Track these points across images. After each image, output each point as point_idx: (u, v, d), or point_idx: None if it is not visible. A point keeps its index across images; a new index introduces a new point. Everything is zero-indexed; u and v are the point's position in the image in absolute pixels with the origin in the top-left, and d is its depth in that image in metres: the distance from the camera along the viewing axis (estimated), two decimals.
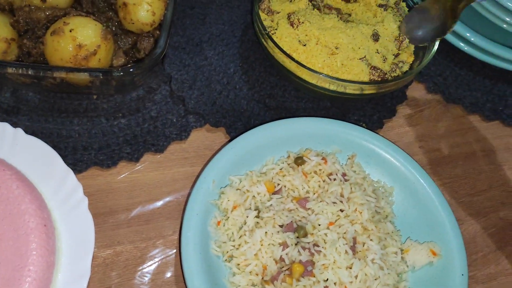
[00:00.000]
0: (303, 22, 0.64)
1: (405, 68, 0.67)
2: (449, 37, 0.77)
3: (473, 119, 0.77)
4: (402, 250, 0.59)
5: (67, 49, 0.57)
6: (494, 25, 0.71)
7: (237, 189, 0.59)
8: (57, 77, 0.59)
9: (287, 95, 0.72)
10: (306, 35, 0.64)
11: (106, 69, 0.60)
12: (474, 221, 0.67)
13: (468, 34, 0.75)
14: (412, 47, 0.71)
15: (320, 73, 0.60)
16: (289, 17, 0.65)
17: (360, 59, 0.64)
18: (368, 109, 0.73)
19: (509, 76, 0.79)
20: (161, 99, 0.69)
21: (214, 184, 0.59)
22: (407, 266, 0.58)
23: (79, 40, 0.57)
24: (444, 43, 0.77)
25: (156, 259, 0.58)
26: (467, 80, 0.79)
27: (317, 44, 0.63)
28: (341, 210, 0.58)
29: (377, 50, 0.66)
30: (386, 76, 0.63)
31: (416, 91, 0.78)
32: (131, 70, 0.59)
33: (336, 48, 0.63)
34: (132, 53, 0.67)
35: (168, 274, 0.57)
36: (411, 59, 0.70)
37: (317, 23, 0.64)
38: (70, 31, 0.57)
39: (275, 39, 0.64)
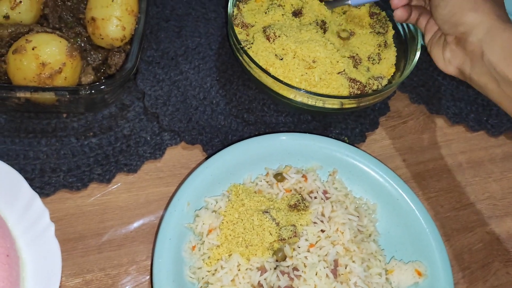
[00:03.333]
0: (279, 36, 0.62)
1: (384, 82, 0.65)
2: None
3: (458, 130, 0.75)
4: (386, 270, 0.57)
5: (30, 68, 0.54)
6: None
7: (213, 211, 0.57)
8: (21, 97, 0.56)
9: (266, 109, 0.70)
10: (283, 49, 0.62)
11: (72, 87, 0.57)
12: (461, 237, 0.65)
13: None
14: (393, 58, 0.69)
15: (298, 88, 0.58)
16: (265, 31, 0.63)
17: (339, 73, 0.61)
18: (350, 122, 0.71)
19: None
20: (134, 117, 0.66)
21: (188, 206, 0.56)
22: None
23: (43, 58, 0.54)
24: (426, 54, 0.76)
25: (128, 287, 0.55)
26: (451, 90, 0.78)
27: (294, 58, 0.61)
28: (322, 231, 0.55)
29: (356, 62, 0.64)
30: (366, 89, 0.61)
31: (399, 102, 0.76)
32: (101, 87, 0.56)
33: (314, 62, 0.61)
34: (103, 69, 0.65)
35: None
36: (392, 70, 0.68)
37: (294, 36, 0.62)
38: (33, 49, 0.54)
39: (250, 53, 0.62)
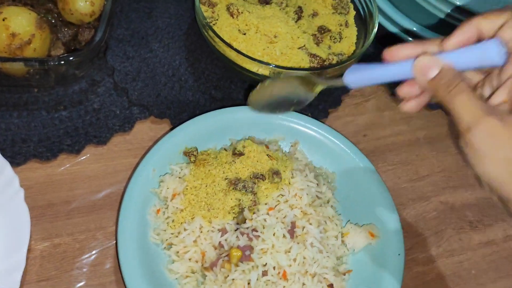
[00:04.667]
0: (242, 12, 0.65)
1: (344, 58, 0.68)
2: (394, 30, 0.78)
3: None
4: (342, 233, 0.60)
5: (1, 38, 0.56)
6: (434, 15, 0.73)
7: (178, 177, 0.59)
8: None
9: (233, 86, 0.72)
10: (246, 25, 0.65)
11: (41, 58, 0.59)
12: (416, 206, 0.69)
13: (414, 29, 0.76)
14: (354, 37, 0.73)
15: (259, 61, 0.61)
16: (228, 8, 0.66)
17: (299, 48, 0.64)
18: (313, 99, 0.74)
19: None
20: (104, 92, 0.68)
21: (154, 172, 0.58)
22: (347, 249, 0.59)
23: (12, 29, 0.56)
24: (389, 36, 0.79)
25: (95, 251, 0.57)
26: None
27: (256, 32, 0.64)
28: (281, 195, 0.58)
29: (318, 40, 0.67)
30: (325, 63, 0.65)
31: None
32: (69, 58, 0.58)
33: (275, 36, 0.64)
34: (73, 45, 0.67)
35: (108, 265, 0.56)
36: (353, 48, 0.72)
37: (256, 12, 0.65)
38: (3, 19, 0.56)
39: (215, 29, 0.64)
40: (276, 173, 0.58)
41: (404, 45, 0.44)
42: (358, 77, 0.48)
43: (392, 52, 0.44)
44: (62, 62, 0.58)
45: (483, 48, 0.40)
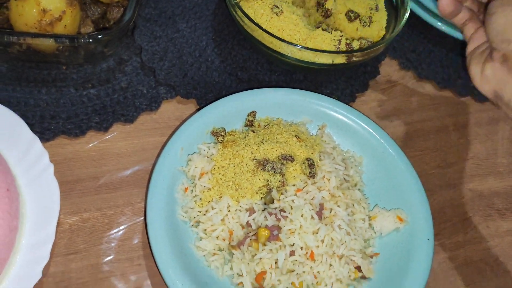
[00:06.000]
0: None
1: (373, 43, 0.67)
2: (424, 15, 0.77)
3: (445, 95, 0.77)
4: (369, 217, 0.59)
5: (31, 14, 0.57)
6: None
7: (205, 157, 0.59)
8: (23, 43, 0.58)
9: (260, 68, 0.72)
10: (275, 5, 0.64)
11: (72, 35, 0.59)
12: (444, 192, 0.68)
13: None
14: (383, 21, 0.71)
15: (286, 41, 0.60)
16: None
17: (324, 30, 0.64)
18: (340, 83, 0.73)
19: None
20: (131, 71, 0.68)
21: (182, 151, 0.58)
22: (375, 233, 0.59)
23: (43, 5, 0.57)
24: (419, 21, 0.78)
25: (124, 226, 0.57)
26: (440, 57, 0.80)
27: (284, 13, 0.63)
28: (309, 177, 0.58)
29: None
30: (353, 47, 0.64)
31: (389, 67, 0.78)
32: (98, 37, 0.58)
33: (304, 16, 0.63)
34: (102, 23, 0.67)
35: (136, 240, 0.57)
36: (382, 33, 0.71)
37: None
38: None
39: (244, 9, 0.64)
40: (312, 165, 0.58)
41: None
42: None
43: None
44: (92, 40, 0.58)
45: None
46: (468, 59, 0.53)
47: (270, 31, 0.62)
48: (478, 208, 0.67)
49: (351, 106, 0.68)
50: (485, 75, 0.50)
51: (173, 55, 0.70)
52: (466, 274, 0.62)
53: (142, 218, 0.58)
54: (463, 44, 0.78)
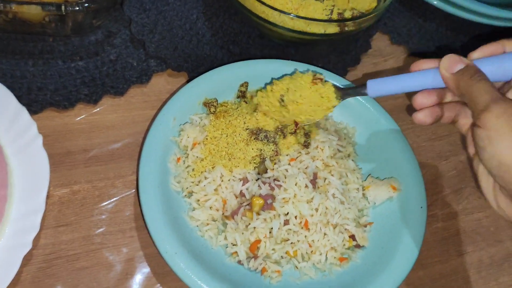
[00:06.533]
0: None
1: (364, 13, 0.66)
2: None
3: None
4: (363, 187, 0.59)
5: None
6: None
7: (198, 127, 0.58)
8: (9, 11, 0.56)
9: (251, 42, 0.71)
10: None
11: (58, 2, 0.58)
12: (436, 164, 0.68)
13: None
14: None
15: (277, 9, 0.59)
16: None
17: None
18: (332, 57, 0.73)
19: (470, 27, 0.80)
20: (121, 43, 0.67)
21: (174, 121, 0.58)
22: (368, 203, 0.59)
23: None
24: None
25: (115, 198, 0.57)
26: (430, 32, 0.80)
27: None
28: (303, 147, 0.57)
29: None
30: (345, 17, 0.63)
31: (381, 41, 0.78)
32: (85, 5, 0.57)
33: None
34: None
35: (127, 213, 0.56)
36: (374, 4, 0.70)
37: None
38: None
39: None
40: (307, 134, 0.57)
41: (429, 59, 0.46)
42: (380, 87, 0.49)
43: (418, 64, 0.47)
44: (79, 8, 0.57)
45: (502, 58, 0.43)
46: (474, 166, 0.45)
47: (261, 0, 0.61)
48: (470, 179, 0.68)
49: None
50: (499, 204, 0.44)
51: (163, 28, 0.68)
52: (458, 244, 0.63)
53: (134, 190, 0.57)
54: (452, 18, 0.79)
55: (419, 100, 0.47)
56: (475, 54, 0.45)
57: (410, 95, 0.73)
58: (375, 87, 0.50)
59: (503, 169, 0.38)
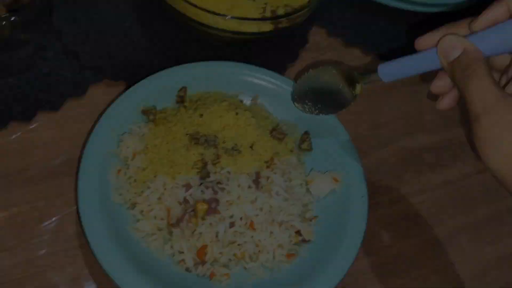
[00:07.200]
0: None
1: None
2: None
3: (373, 59, 0.79)
4: (306, 181, 0.60)
5: None
6: None
7: (138, 136, 0.58)
8: None
9: (188, 46, 0.71)
10: None
11: None
12: (378, 152, 0.70)
13: None
14: None
15: (212, 12, 0.59)
16: None
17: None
18: (270, 54, 0.74)
19: (408, 15, 0.82)
20: (53, 56, 0.65)
21: (112, 133, 0.57)
22: (312, 197, 0.60)
23: None
24: None
25: (56, 217, 0.55)
26: (367, 22, 0.82)
27: None
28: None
29: None
30: (278, 13, 0.64)
31: (317, 35, 0.79)
32: (11, 19, 0.55)
33: None
34: (16, 7, 0.63)
35: (70, 231, 0.55)
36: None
37: None
38: None
39: None
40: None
41: (434, 31, 0.42)
42: (392, 70, 0.48)
43: (423, 40, 0.43)
44: (4, 23, 0.55)
45: (509, 27, 0.38)
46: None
47: (193, 2, 0.61)
48: (410, 164, 0.70)
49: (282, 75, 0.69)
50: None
51: (96, 37, 0.67)
52: (404, 228, 0.65)
53: (75, 208, 0.56)
54: (387, 8, 0.81)
55: (437, 85, 0.44)
56: (478, 25, 0.40)
57: None
58: (387, 71, 0.48)
59: (497, 177, 0.37)
